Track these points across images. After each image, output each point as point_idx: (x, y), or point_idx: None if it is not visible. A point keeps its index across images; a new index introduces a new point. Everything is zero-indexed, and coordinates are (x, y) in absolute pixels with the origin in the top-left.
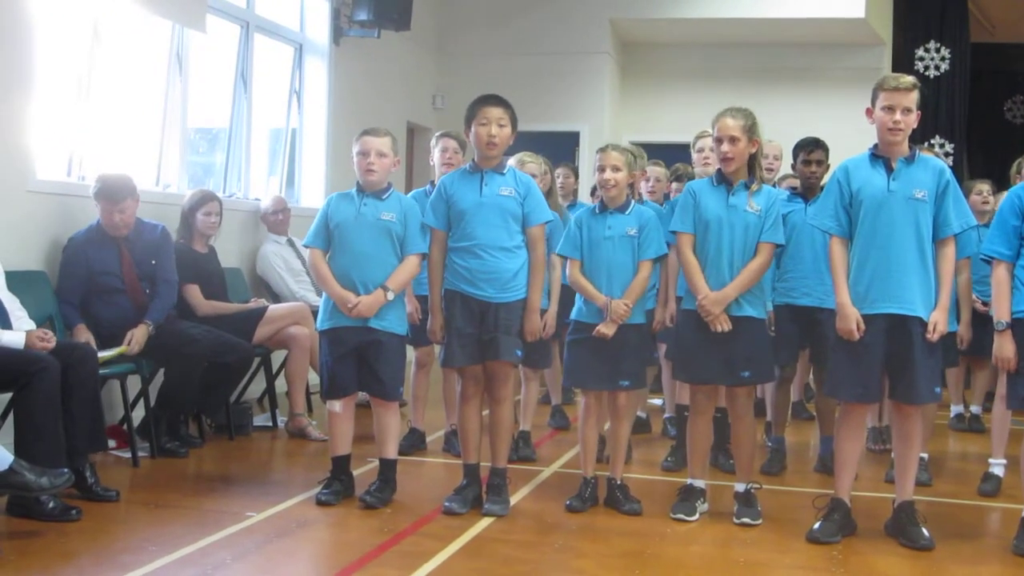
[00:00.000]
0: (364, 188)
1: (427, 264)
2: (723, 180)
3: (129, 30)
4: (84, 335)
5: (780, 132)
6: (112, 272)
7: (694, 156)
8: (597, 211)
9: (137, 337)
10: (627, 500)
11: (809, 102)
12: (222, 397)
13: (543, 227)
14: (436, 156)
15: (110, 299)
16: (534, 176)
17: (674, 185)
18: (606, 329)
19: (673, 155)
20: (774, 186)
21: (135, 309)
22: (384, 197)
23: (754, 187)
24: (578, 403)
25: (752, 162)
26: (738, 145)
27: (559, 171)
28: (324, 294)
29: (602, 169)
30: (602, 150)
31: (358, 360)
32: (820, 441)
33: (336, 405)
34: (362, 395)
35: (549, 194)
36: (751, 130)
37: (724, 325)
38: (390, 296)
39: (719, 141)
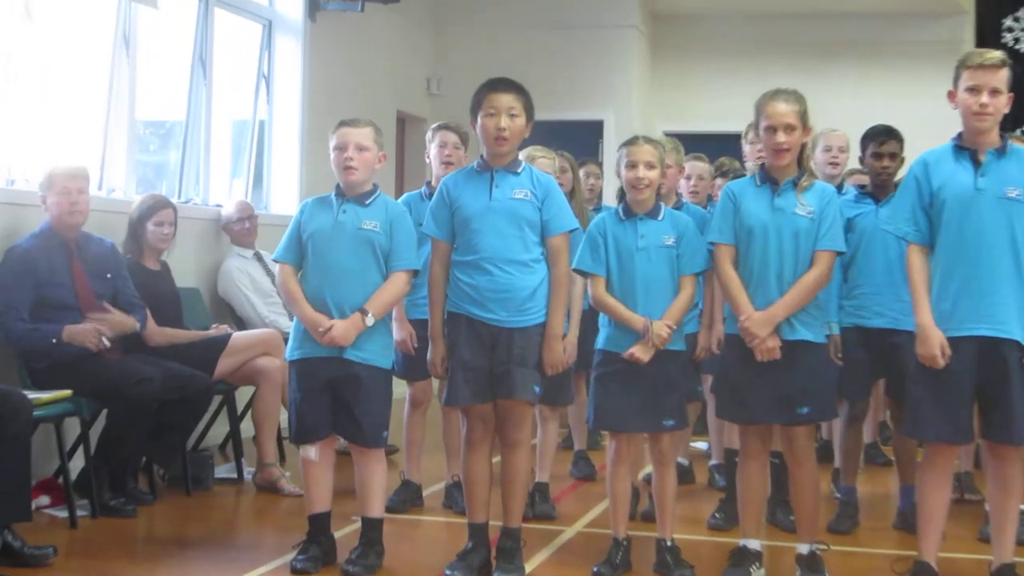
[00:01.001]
0: (344, 191)
1: (427, 282)
2: (767, 178)
3: (67, 5)
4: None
5: (844, 120)
6: (62, 284)
7: (745, 149)
8: (622, 216)
9: (116, 323)
10: (679, 566)
11: (878, 83)
12: (178, 444)
13: (567, 237)
14: (432, 152)
15: (60, 317)
16: None
17: (718, 182)
18: (641, 353)
19: (715, 148)
20: (840, 186)
21: None
22: (367, 202)
23: (804, 183)
24: (606, 448)
25: (800, 154)
26: (794, 135)
27: (583, 169)
28: (295, 319)
29: (632, 166)
30: (631, 143)
31: (332, 397)
32: (899, 492)
33: (311, 452)
34: (342, 442)
35: (572, 196)
36: (805, 116)
37: (771, 351)
38: (369, 321)
39: (772, 130)
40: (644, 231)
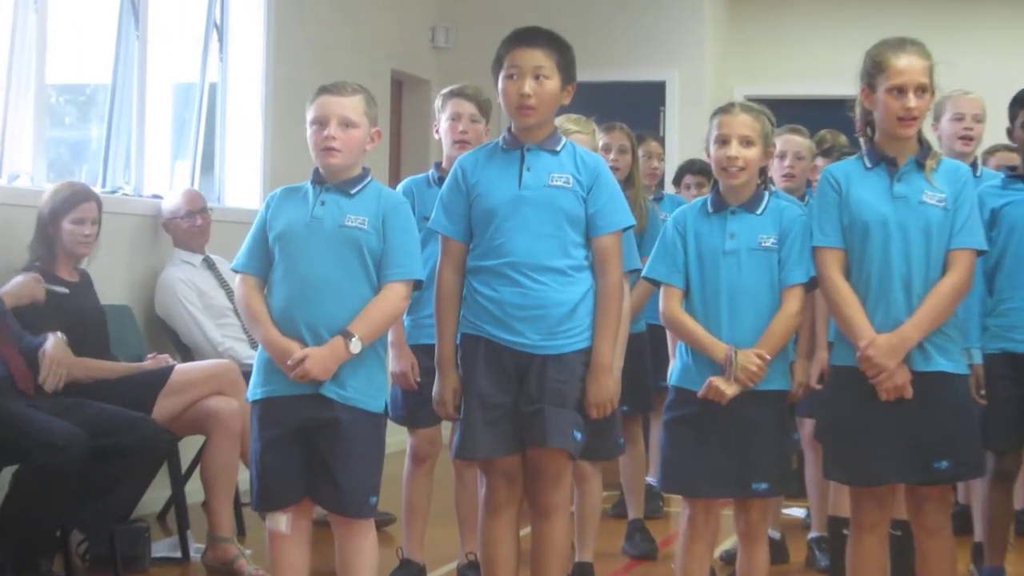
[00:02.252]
0: (324, 177)
1: (433, 296)
2: (881, 157)
3: None
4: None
5: (980, 80)
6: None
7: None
8: (710, 209)
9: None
10: None
11: None
12: (105, 511)
13: (619, 237)
14: (443, 126)
15: None
16: None
17: (820, 163)
18: (725, 386)
19: (812, 118)
20: (974, 164)
21: None
22: (353, 192)
23: (931, 162)
24: (671, 517)
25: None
26: (924, 99)
27: (641, 148)
28: (259, 345)
29: (723, 141)
30: (724, 112)
31: (307, 450)
32: None
33: (280, 522)
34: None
35: (630, 184)
36: (932, 74)
37: (900, 388)
38: (355, 348)
39: (899, 92)
40: (735, 228)
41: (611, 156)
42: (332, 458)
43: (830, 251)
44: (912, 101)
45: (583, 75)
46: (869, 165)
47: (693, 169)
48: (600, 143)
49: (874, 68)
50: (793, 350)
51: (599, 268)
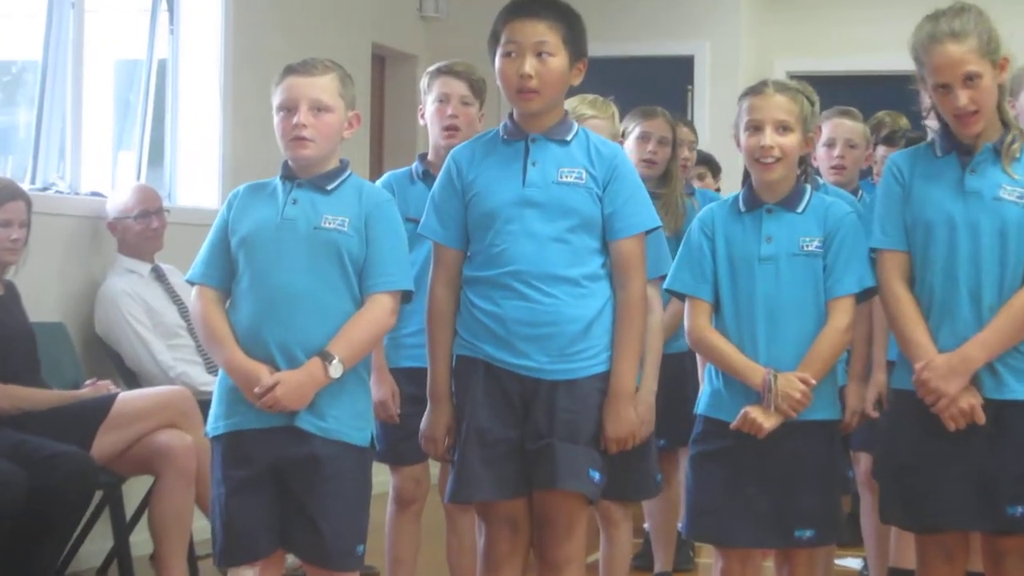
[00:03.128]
0: (295, 172)
1: (422, 311)
2: (954, 145)
3: None
4: None
5: None
6: None
7: (926, 100)
8: (742, 208)
9: None
10: None
11: None
12: (37, 566)
13: (642, 241)
14: (429, 110)
15: None
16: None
17: (881, 151)
18: (763, 417)
19: (867, 99)
20: None
21: None
22: (330, 188)
23: (1015, 147)
24: (703, 568)
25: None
26: (981, 85)
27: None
28: (220, 369)
29: (755, 128)
30: (754, 92)
31: (279, 493)
32: None
33: None
34: (293, 558)
35: (668, 180)
36: (993, 46)
37: (967, 414)
38: (336, 371)
39: (944, 89)
40: (773, 230)
41: (649, 147)
42: (311, 501)
43: (891, 254)
44: (961, 97)
45: (596, 50)
46: (940, 153)
47: (695, 158)
48: (636, 131)
49: (916, 60)
50: (844, 372)
51: (618, 278)
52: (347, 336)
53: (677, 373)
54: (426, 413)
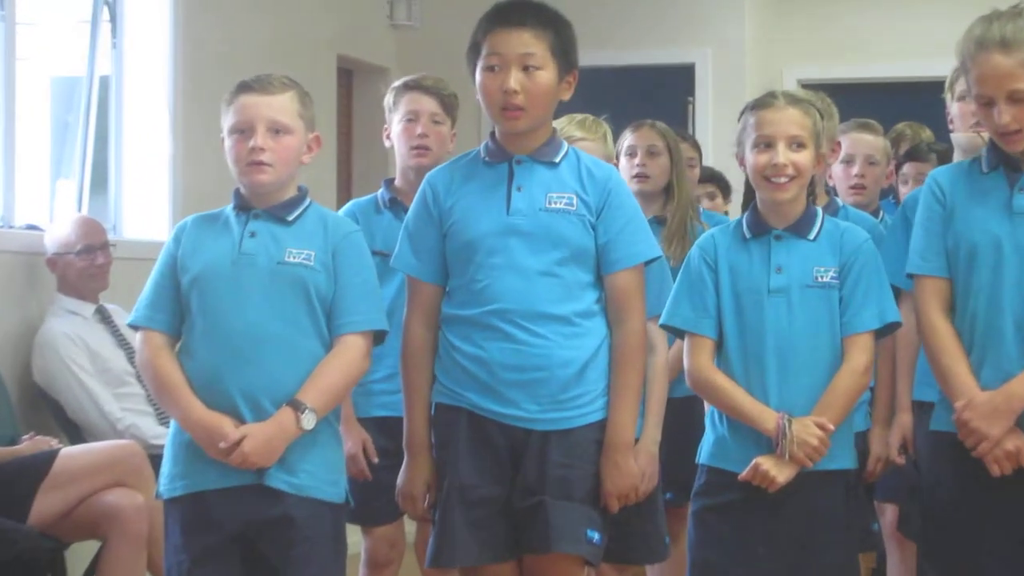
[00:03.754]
0: (249, 201)
1: (396, 353)
2: (1001, 160)
3: None
4: None
5: None
6: None
7: (952, 109)
8: (747, 233)
9: None
10: None
11: None
12: None
13: (641, 273)
14: (396, 129)
15: None
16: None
17: (908, 169)
18: (776, 470)
19: (887, 110)
20: None
21: None
22: (291, 218)
23: None
24: None
25: None
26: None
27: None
28: (172, 422)
29: (765, 145)
30: (762, 105)
31: (247, 560)
32: None
33: None
34: None
35: (673, 197)
36: None
37: (1013, 459)
38: (308, 422)
39: (987, 102)
40: (783, 259)
41: (636, 161)
42: (287, 567)
43: (931, 281)
44: (1004, 114)
45: (588, 59)
46: (986, 169)
47: (703, 175)
48: (624, 146)
49: (962, 65)
50: (866, 415)
51: (615, 315)
52: (319, 382)
53: (684, 419)
54: (403, 467)
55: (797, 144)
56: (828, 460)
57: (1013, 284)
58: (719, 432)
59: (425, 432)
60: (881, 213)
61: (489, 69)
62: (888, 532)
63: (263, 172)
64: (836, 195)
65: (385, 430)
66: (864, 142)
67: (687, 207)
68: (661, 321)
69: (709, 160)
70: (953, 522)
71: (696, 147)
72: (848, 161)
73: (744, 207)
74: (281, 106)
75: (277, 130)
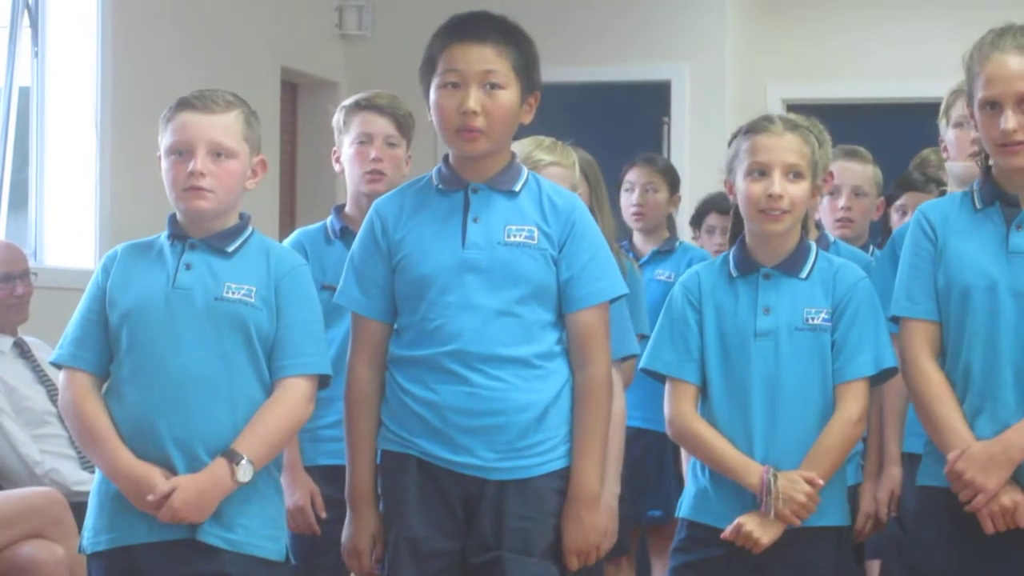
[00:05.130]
0: (185, 228)
1: (344, 398)
2: (996, 195)
3: None
4: None
5: None
6: None
7: (948, 135)
8: (734, 271)
9: None
10: None
11: None
12: None
13: (606, 311)
14: (346, 153)
15: None
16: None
17: (903, 200)
18: (760, 531)
19: (876, 135)
20: None
21: None
22: (231, 249)
23: None
24: None
25: None
26: None
27: (630, 174)
28: (97, 471)
29: (759, 172)
30: (757, 129)
31: None
32: None
33: None
34: None
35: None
36: None
37: (1009, 514)
38: (245, 474)
39: (996, 108)
40: (771, 299)
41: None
42: None
43: (920, 325)
44: (1010, 120)
45: (552, 74)
46: (980, 205)
47: (720, 206)
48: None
49: (968, 72)
50: (858, 469)
51: (578, 357)
52: (257, 430)
53: (663, 444)
54: (347, 520)
55: (794, 174)
56: (818, 516)
57: (1011, 330)
58: (700, 484)
59: (370, 481)
60: (871, 249)
61: (446, 86)
62: None
63: (202, 198)
64: (821, 227)
65: (333, 480)
66: (851, 172)
67: (608, 239)
68: (641, 365)
69: (686, 185)
70: None
71: (664, 173)
72: (833, 193)
73: (731, 241)
74: (225, 127)
75: (219, 153)
